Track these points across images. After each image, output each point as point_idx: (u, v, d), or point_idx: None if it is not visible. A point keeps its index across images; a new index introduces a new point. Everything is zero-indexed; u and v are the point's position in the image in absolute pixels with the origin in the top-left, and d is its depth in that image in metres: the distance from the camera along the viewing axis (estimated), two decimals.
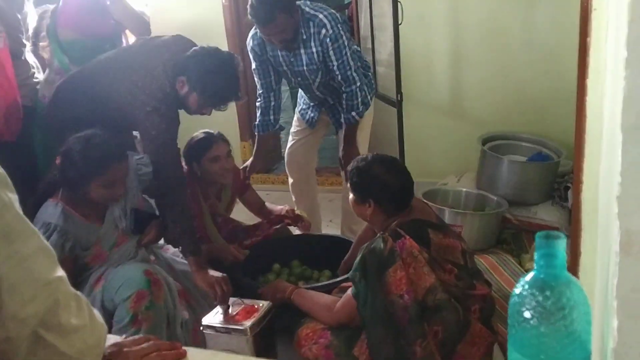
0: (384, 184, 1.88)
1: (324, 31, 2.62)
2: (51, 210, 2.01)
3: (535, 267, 0.72)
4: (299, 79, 2.85)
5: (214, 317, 1.95)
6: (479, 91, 3.63)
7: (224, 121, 3.53)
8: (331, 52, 2.65)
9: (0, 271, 0.69)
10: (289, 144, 3.21)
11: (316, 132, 3.14)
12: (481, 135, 3.28)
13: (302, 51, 2.71)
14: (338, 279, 2.27)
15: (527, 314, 0.71)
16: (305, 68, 2.75)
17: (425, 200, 2.05)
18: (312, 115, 3.06)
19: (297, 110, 3.18)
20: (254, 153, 3.00)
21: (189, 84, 2.18)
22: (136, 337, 1.04)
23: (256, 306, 1.99)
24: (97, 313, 0.88)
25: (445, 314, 1.73)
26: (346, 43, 2.67)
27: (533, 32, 3.43)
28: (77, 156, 1.94)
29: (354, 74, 2.71)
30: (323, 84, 2.84)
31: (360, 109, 2.77)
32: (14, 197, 0.74)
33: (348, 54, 2.67)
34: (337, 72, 2.71)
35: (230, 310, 1.97)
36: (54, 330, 0.75)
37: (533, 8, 3.39)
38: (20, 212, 0.76)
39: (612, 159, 0.70)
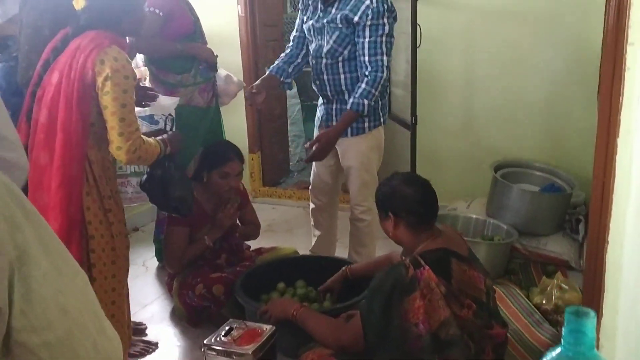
0: (401, 194, 1.85)
1: (367, 2, 2.40)
2: None
3: (563, 344, 0.69)
4: (314, 39, 2.62)
5: (215, 340, 1.92)
6: (493, 117, 3.60)
7: (233, 133, 3.52)
8: (367, 28, 2.41)
9: (13, 296, 0.62)
10: (313, 167, 2.88)
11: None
12: (494, 162, 3.24)
13: (334, 9, 2.50)
14: (346, 303, 2.24)
15: None
16: (327, 22, 2.52)
17: (460, 233, 2.00)
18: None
19: (316, 125, 2.83)
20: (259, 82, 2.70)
21: None
22: None
23: (259, 330, 1.96)
24: (114, 334, 0.77)
25: (455, 350, 1.69)
26: (386, 28, 2.42)
27: (549, 60, 3.40)
28: None
29: (384, 64, 2.44)
30: (332, 55, 2.55)
31: (372, 104, 2.49)
32: (25, 217, 0.67)
33: (384, 39, 2.43)
34: (365, 53, 2.44)
35: (232, 334, 1.94)
36: None
37: (549, 35, 3.36)
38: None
39: None
